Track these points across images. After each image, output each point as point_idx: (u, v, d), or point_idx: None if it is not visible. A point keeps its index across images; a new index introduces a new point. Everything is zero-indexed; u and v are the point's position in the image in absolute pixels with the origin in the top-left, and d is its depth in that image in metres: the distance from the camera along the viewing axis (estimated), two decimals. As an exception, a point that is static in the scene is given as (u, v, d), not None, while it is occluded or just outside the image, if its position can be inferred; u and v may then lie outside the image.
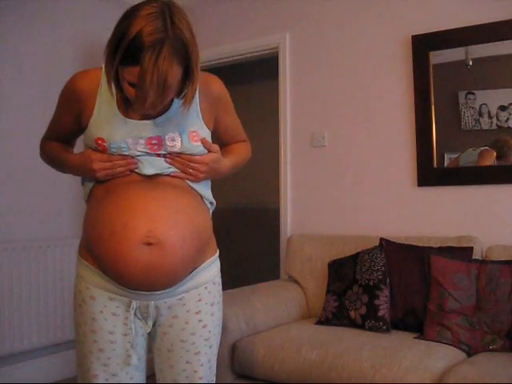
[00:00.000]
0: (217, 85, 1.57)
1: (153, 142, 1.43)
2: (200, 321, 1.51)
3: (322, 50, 3.35)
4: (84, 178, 1.58)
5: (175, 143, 1.44)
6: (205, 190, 1.57)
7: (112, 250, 1.40)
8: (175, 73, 1.29)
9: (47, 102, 3.35)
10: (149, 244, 1.38)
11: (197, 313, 1.51)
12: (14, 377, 3.06)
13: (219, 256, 1.64)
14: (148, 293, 1.44)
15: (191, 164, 1.48)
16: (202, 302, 1.52)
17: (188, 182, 1.51)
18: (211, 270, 1.56)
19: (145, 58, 1.24)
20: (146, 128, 1.43)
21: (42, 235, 3.29)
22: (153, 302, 1.47)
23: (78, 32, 3.45)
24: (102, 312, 1.47)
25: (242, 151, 1.74)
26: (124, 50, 1.26)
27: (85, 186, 1.59)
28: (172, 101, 1.44)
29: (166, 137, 1.44)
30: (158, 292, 1.45)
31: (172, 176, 1.48)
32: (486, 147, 2.82)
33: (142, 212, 1.40)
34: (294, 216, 3.42)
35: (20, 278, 3.07)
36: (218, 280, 1.60)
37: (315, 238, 3.13)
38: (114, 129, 1.43)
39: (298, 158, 3.43)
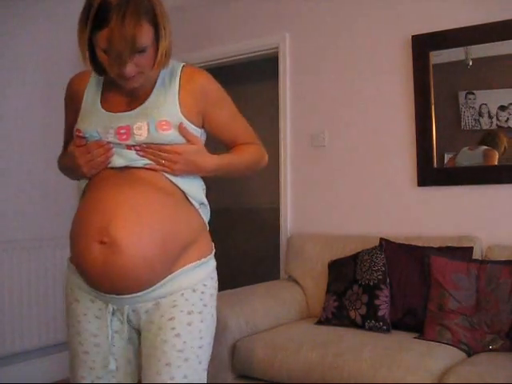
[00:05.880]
0: (200, 78, 1.50)
1: (121, 131, 1.41)
2: (173, 328, 1.39)
3: (321, 50, 3.34)
4: (80, 181, 1.56)
5: (141, 131, 1.39)
6: (190, 187, 1.48)
7: (75, 249, 1.41)
8: (144, 30, 1.31)
9: (47, 101, 3.36)
10: (102, 243, 1.33)
11: (170, 319, 1.39)
12: (13, 377, 3.06)
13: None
14: (117, 296, 1.39)
15: (162, 154, 1.40)
16: (176, 308, 1.40)
17: (170, 178, 1.44)
18: (192, 276, 1.43)
19: (112, 17, 1.28)
20: (119, 119, 1.43)
21: (42, 235, 3.29)
22: (127, 306, 1.41)
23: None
24: (85, 314, 1.45)
25: (244, 152, 1.60)
26: (94, 15, 1.30)
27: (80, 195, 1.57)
28: (150, 92, 1.45)
29: (135, 126, 1.40)
30: (128, 296, 1.38)
31: (147, 169, 1.41)
32: (486, 146, 2.82)
33: (100, 209, 1.37)
34: (294, 216, 3.42)
35: (20, 278, 3.07)
36: (202, 288, 1.45)
37: (315, 237, 3.13)
38: (89, 119, 1.46)
39: (297, 157, 3.43)
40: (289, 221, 3.43)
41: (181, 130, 1.42)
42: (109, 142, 1.42)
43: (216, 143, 1.63)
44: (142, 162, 1.41)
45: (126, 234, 1.33)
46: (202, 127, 1.53)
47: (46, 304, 3.19)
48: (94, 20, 1.31)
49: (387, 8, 3.11)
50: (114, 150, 1.42)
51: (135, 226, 1.34)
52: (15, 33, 3.19)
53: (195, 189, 1.50)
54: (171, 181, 1.44)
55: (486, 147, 2.82)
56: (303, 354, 2.31)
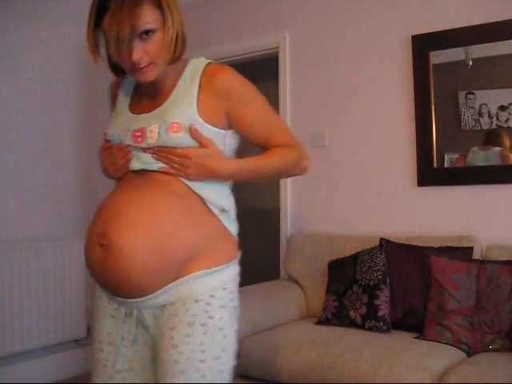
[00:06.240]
0: (222, 75, 1.40)
1: (137, 134, 1.39)
2: (171, 338, 1.33)
3: (322, 50, 3.34)
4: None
5: (152, 134, 1.36)
6: (208, 192, 1.40)
7: (84, 250, 1.41)
8: (145, 12, 1.28)
9: (47, 101, 3.36)
10: (101, 245, 1.33)
11: (170, 328, 1.34)
12: (14, 377, 3.06)
13: None
14: (124, 299, 1.37)
15: (174, 158, 1.35)
16: (177, 318, 1.33)
17: (186, 182, 1.38)
18: (197, 285, 1.35)
19: (111, 6, 1.26)
20: (138, 121, 1.41)
21: (42, 235, 3.29)
22: (135, 310, 1.38)
23: (77, 33, 3.43)
24: (103, 312, 1.45)
25: (274, 155, 1.47)
26: (96, 7, 1.29)
27: None
28: (171, 92, 1.41)
29: (148, 128, 1.37)
30: (131, 300, 1.36)
31: (163, 172, 1.37)
32: (498, 147, 2.79)
33: (106, 212, 1.38)
34: (294, 216, 3.42)
35: (20, 278, 3.07)
36: (208, 299, 1.35)
37: (315, 237, 3.13)
38: (114, 122, 1.46)
39: (298, 157, 3.42)
40: (289, 221, 3.43)
41: (192, 132, 1.35)
42: (128, 145, 1.40)
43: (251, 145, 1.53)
44: (157, 165, 1.38)
45: (122, 237, 1.30)
46: (231, 129, 1.45)
47: (46, 304, 3.19)
48: (98, 12, 1.29)
49: (387, 8, 3.11)
50: (132, 152, 1.40)
51: (133, 230, 1.31)
52: (15, 31, 3.18)
53: (215, 194, 1.41)
54: (187, 185, 1.38)
55: (499, 148, 2.79)
56: (303, 354, 2.31)
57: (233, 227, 1.48)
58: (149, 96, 1.44)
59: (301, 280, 3.07)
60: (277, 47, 3.50)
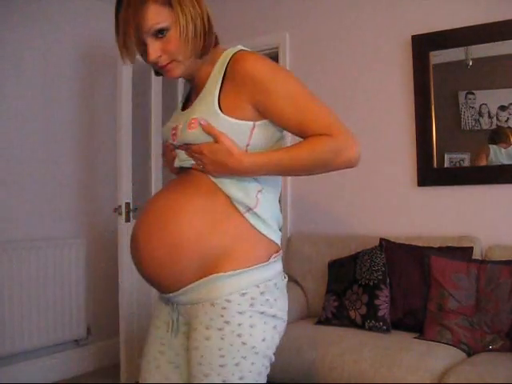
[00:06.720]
0: (245, 63, 1.32)
1: (173, 132, 1.40)
2: (194, 339, 1.32)
3: (321, 50, 3.34)
4: None
5: (177, 132, 1.36)
6: (235, 190, 1.33)
7: None
8: (152, 11, 1.28)
9: (47, 101, 3.37)
10: (131, 240, 1.40)
11: (194, 330, 1.33)
12: (14, 377, 3.06)
13: None
14: (160, 293, 1.43)
15: (194, 155, 1.33)
16: (197, 320, 1.32)
17: (213, 179, 1.34)
18: (212, 288, 1.30)
19: (122, 4, 1.29)
20: (178, 119, 1.42)
21: (42, 235, 3.29)
22: (175, 305, 1.40)
23: (77, 32, 3.44)
24: (157, 305, 1.50)
25: (303, 146, 1.34)
26: (116, 10, 1.31)
27: None
28: (203, 87, 1.38)
29: (179, 126, 1.37)
30: (164, 295, 1.40)
31: (195, 169, 1.36)
32: None
33: (141, 213, 1.43)
34: (294, 216, 3.42)
35: (20, 278, 3.07)
36: (224, 304, 1.29)
37: (315, 237, 3.13)
38: (168, 122, 1.51)
39: (298, 157, 3.41)
40: (289, 221, 3.43)
41: (203, 127, 1.30)
42: (171, 144, 1.42)
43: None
44: (190, 162, 1.36)
45: (142, 238, 1.36)
46: (262, 119, 1.36)
47: (46, 304, 3.19)
48: (116, 15, 1.32)
49: (387, 8, 3.11)
50: (176, 150, 1.41)
51: (150, 231, 1.34)
52: (15, 30, 3.18)
53: (240, 192, 1.34)
54: (215, 183, 1.34)
55: None
56: (303, 354, 2.31)
57: (265, 227, 1.36)
58: (193, 92, 1.46)
59: (301, 280, 3.07)
60: (277, 47, 3.50)
